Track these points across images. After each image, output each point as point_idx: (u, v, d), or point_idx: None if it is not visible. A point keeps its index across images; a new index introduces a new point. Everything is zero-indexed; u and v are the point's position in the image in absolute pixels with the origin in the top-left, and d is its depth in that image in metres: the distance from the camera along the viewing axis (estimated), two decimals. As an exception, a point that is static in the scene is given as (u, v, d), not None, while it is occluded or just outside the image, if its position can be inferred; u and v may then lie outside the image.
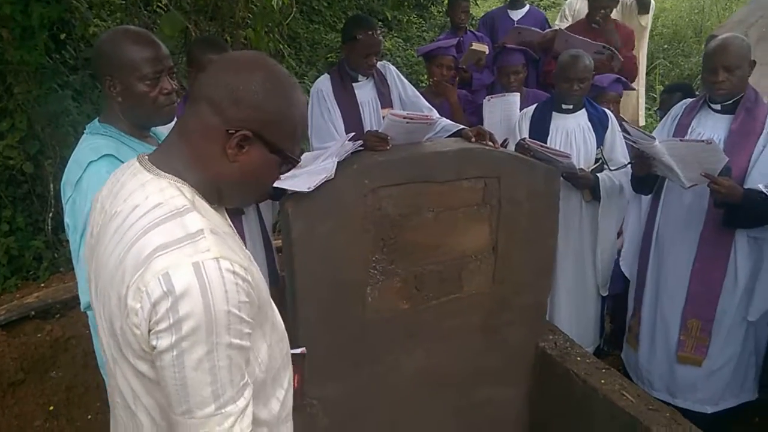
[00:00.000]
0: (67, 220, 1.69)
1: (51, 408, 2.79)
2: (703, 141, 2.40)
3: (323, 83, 3.02)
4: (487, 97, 3.53)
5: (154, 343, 0.95)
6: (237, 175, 1.08)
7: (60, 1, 3.90)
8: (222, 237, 1.01)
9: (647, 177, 2.72)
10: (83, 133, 1.77)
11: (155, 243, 0.95)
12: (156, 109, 1.71)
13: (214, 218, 1.06)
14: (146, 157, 1.10)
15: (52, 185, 4.06)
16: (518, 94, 3.43)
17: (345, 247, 2.21)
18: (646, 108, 7.74)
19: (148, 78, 1.66)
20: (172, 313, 0.92)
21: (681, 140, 2.56)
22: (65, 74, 4.33)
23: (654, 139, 2.45)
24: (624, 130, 2.81)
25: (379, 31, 2.91)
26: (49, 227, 4.03)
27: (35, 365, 2.82)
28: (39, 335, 2.91)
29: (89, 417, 2.81)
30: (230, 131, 1.03)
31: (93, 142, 1.68)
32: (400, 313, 2.35)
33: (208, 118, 1.04)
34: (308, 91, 6.58)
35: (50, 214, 4.04)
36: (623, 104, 5.13)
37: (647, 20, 5.04)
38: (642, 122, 5.34)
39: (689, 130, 2.68)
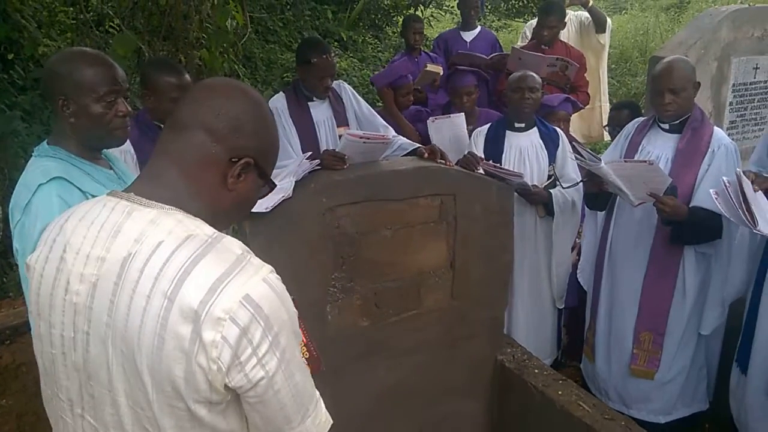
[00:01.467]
0: (16, 244, 1.64)
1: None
2: (645, 162, 2.50)
3: (279, 101, 3.03)
4: (430, 119, 3.61)
5: (260, 373, 0.93)
6: (232, 202, 1.07)
7: (7, 20, 3.83)
8: (251, 251, 1.03)
9: (600, 194, 2.81)
10: (32, 155, 1.72)
11: (216, 272, 0.91)
12: (110, 131, 1.69)
13: None
14: (128, 192, 1.03)
15: (0, 207, 3.93)
16: (462, 114, 3.52)
17: (304, 266, 2.21)
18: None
19: (104, 99, 1.65)
20: (268, 331, 0.93)
21: (626, 161, 2.67)
22: (13, 94, 4.24)
23: (600, 161, 2.55)
24: (575, 150, 2.91)
25: (333, 54, 2.94)
26: (-3, 251, 3.90)
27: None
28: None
29: (41, 446, 2.72)
30: (233, 159, 1.03)
31: (42, 165, 1.64)
32: (361, 330, 2.36)
33: (207, 146, 1.02)
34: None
35: (-1, 237, 3.92)
36: (588, 120, 5.32)
37: (605, 38, 5.21)
38: (607, 137, 5.52)
39: (640, 148, 2.78)
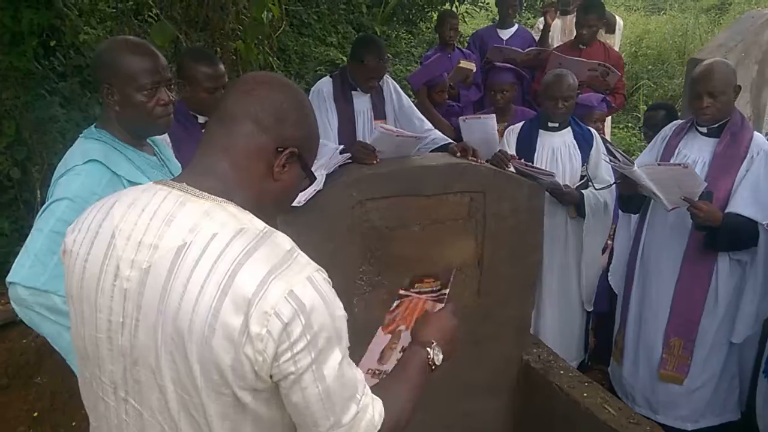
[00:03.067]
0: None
1: (35, 414, 2.75)
2: (680, 165, 2.45)
3: (325, 84, 3.10)
4: (462, 118, 3.57)
5: (291, 368, 0.94)
6: (277, 193, 1.09)
7: (50, 7, 3.90)
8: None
9: (634, 196, 2.76)
10: (71, 139, 1.77)
11: (264, 266, 0.93)
12: (152, 119, 1.72)
13: None
14: (180, 182, 1.04)
15: (38, 191, 4.02)
16: (494, 116, 3.47)
17: (332, 258, 2.22)
18: (629, 126, 7.89)
19: (146, 88, 1.68)
20: (307, 329, 0.93)
21: (660, 164, 2.61)
22: (54, 81, 4.32)
23: (632, 164, 2.51)
24: (608, 152, 2.87)
25: (386, 58, 2.97)
26: (34, 234, 3.99)
27: (20, 371, 2.78)
28: (24, 341, 2.87)
29: (73, 423, 2.78)
30: (279, 149, 1.05)
31: (85, 146, 1.69)
32: (386, 325, 2.36)
33: (255, 135, 1.04)
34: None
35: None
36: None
37: (614, 40, 5.04)
38: (608, 135, 5.41)
39: (676, 151, 2.72)
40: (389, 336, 1.43)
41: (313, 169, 1.17)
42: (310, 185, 1.18)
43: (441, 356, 1.24)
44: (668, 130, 2.84)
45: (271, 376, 0.95)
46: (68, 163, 1.65)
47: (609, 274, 3.10)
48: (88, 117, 4.48)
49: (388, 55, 8.70)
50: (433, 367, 1.23)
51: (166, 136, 2.09)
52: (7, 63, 3.75)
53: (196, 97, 2.42)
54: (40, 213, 1.63)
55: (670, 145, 2.76)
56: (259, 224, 1.00)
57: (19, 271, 1.58)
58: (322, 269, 1.00)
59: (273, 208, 1.13)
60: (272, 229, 1.01)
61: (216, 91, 2.41)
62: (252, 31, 3.51)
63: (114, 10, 4.70)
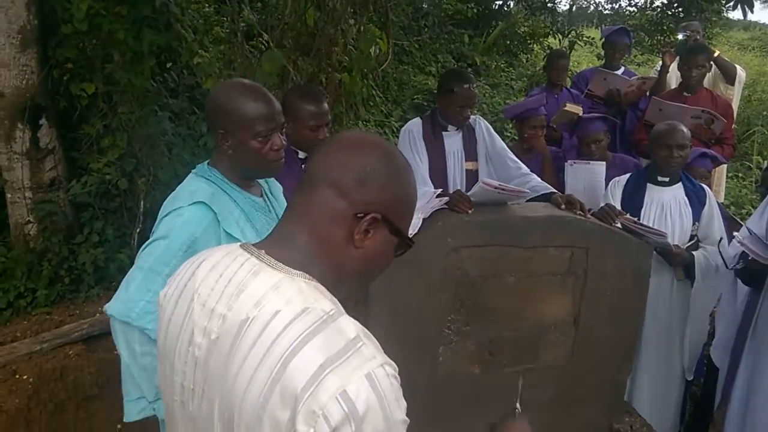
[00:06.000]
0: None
1: (119, 426, 2.84)
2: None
3: (415, 125, 3.05)
4: (569, 162, 3.41)
5: None
6: (361, 261, 1.02)
7: (169, 29, 4.13)
8: (371, 337, 0.94)
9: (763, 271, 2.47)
10: (177, 154, 1.80)
11: (319, 357, 0.85)
12: (265, 164, 1.73)
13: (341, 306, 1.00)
14: (258, 248, 1.01)
15: (142, 202, 4.23)
16: (603, 163, 3.31)
17: (421, 304, 2.17)
18: (741, 178, 7.37)
19: (261, 135, 1.68)
20: None
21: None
22: (165, 97, 4.55)
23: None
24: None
25: (475, 85, 2.91)
26: (135, 242, 4.18)
27: (110, 382, 2.89)
28: (115, 352, 3.00)
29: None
30: (359, 215, 0.98)
31: (194, 185, 1.72)
32: (471, 378, 2.27)
33: (333, 201, 0.97)
34: (393, 131, 6.67)
35: (138, 230, 4.21)
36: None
37: (733, 92, 4.62)
38: (721, 198, 4.98)
39: None
40: None
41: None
42: (406, 250, 1.08)
43: None
44: None
45: None
46: (175, 203, 1.68)
47: (712, 347, 2.85)
48: (194, 134, 4.69)
49: (487, 85, 8.64)
50: None
51: None
52: (126, 80, 3.98)
53: (299, 134, 2.44)
54: (142, 248, 1.69)
55: None
56: (327, 305, 0.92)
57: (115, 305, 1.66)
58: (390, 363, 0.90)
59: (359, 278, 1.05)
60: (341, 311, 0.93)
61: (319, 129, 2.42)
62: (359, 64, 3.54)
63: (227, 32, 4.92)
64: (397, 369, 0.92)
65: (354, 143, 1.03)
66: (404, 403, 0.90)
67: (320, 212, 0.98)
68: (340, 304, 0.97)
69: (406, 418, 0.90)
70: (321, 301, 0.93)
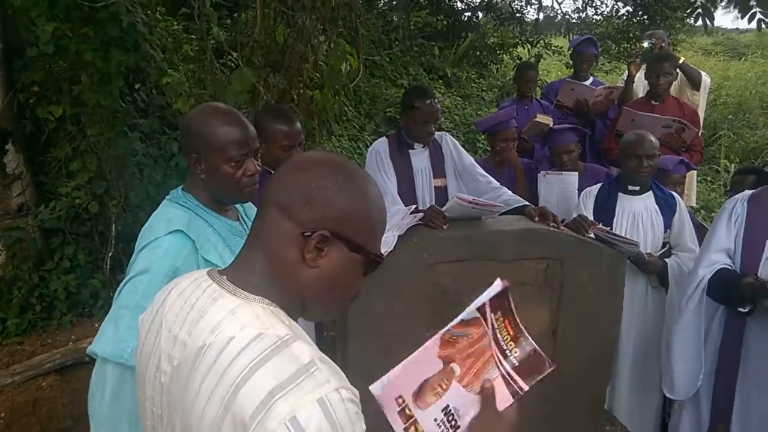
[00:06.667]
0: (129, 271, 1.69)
1: (94, 459, 2.75)
2: None
3: (381, 145, 3.05)
4: (542, 172, 3.46)
5: None
6: (319, 281, 0.98)
7: (137, 49, 4.08)
8: (328, 362, 0.90)
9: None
10: (148, 175, 1.77)
11: (270, 383, 0.83)
12: (237, 189, 1.71)
13: (300, 331, 0.97)
14: (221, 274, 1.00)
15: (114, 225, 4.16)
16: (576, 173, 3.35)
17: (400, 320, 2.17)
18: (709, 181, 7.51)
19: (234, 160, 1.66)
20: None
21: None
22: (135, 117, 4.49)
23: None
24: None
25: (437, 101, 2.93)
26: (108, 266, 4.11)
27: (84, 413, 2.81)
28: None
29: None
30: (306, 234, 0.95)
31: (170, 213, 1.69)
32: (452, 394, 2.27)
33: (282, 223, 0.96)
34: (367, 145, 6.67)
35: (110, 253, 4.13)
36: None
37: (699, 98, 4.66)
38: (693, 202, 5.05)
39: None
40: (439, 365, 1.18)
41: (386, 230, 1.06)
42: (375, 268, 1.05)
43: None
44: (740, 206, 2.41)
45: None
46: (152, 233, 1.64)
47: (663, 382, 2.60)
48: (165, 154, 4.63)
49: (458, 97, 8.71)
50: None
51: None
52: (94, 101, 3.91)
53: (272, 155, 2.43)
54: (122, 285, 1.63)
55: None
56: (282, 330, 0.90)
57: (106, 346, 1.57)
58: (347, 387, 0.87)
59: (325, 299, 1.02)
60: (296, 336, 0.91)
61: (292, 148, 2.41)
62: (330, 80, 3.54)
63: (197, 50, 4.87)
64: (357, 393, 0.89)
65: (302, 163, 1.01)
66: (363, 427, 0.88)
67: (272, 235, 0.97)
68: (298, 329, 0.96)
69: None
70: (276, 326, 0.91)
